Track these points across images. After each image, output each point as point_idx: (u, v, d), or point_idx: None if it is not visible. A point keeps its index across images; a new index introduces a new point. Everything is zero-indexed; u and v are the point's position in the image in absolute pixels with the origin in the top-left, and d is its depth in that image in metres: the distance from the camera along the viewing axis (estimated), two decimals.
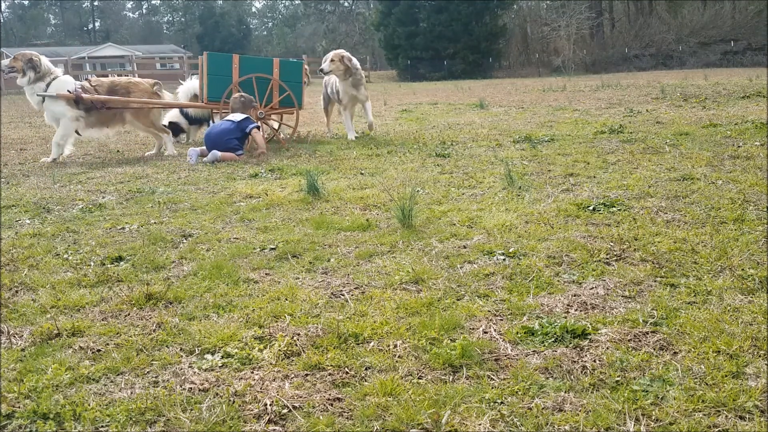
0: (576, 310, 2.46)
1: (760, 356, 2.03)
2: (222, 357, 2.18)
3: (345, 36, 55.46)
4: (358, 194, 4.58)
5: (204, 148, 6.53)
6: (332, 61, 7.73)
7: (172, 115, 8.34)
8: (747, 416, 1.74)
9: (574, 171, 5.05)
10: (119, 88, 6.87)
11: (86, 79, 6.87)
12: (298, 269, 3.05)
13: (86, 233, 3.81)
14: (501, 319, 2.41)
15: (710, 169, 4.82)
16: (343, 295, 2.71)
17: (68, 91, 6.60)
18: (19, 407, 1.90)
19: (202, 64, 7.39)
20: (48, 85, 6.61)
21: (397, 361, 2.11)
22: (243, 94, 7.06)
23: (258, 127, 6.76)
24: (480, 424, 1.75)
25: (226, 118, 6.75)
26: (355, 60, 8.00)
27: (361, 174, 5.40)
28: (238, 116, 6.65)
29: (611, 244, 3.18)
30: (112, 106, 6.82)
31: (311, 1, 61.48)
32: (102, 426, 1.81)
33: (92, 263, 3.23)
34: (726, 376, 1.92)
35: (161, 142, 7.27)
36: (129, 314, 2.58)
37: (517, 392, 1.90)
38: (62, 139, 6.75)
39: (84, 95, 6.61)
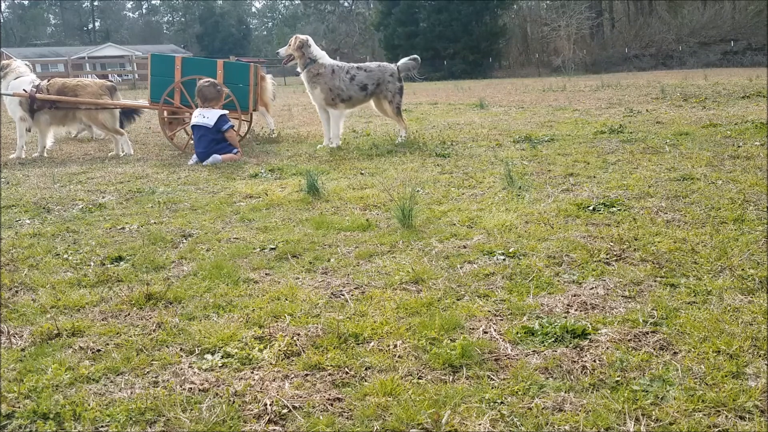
0: (576, 310, 2.46)
1: (760, 356, 2.03)
2: (222, 357, 2.18)
3: (345, 36, 55.46)
4: (358, 194, 4.58)
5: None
6: (289, 45, 7.04)
7: None
8: (747, 416, 1.74)
9: (574, 171, 5.05)
10: (67, 89, 7.12)
11: (47, 80, 7.20)
12: (298, 269, 3.05)
13: (86, 233, 3.81)
14: (501, 319, 2.41)
15: (710, 169, 4.82)
16: (343, 295, 2.71)
17: (23, 90, 6.92)
18: (19, 407, 1.90)
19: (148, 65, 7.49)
20: (9, 84, 7.04)
21: (397, 361, 2.11)
22: (212, 80, 6.79)
23: (232, 127, 6.67)
24: (480, 424, 1.75)
25: (201, 119, 6.43)
26: (316, 50, 7.04)
27: (361, 174, 5.40)
28: (211, 116, 6.40)
29: (611, 244, 3.18)
30: (61, 106, 7.10)
31: (311, 1, 61.47)
32: (102, 426, 1.81)
33: (92, 263, 3.23)
34: (726, 376, 1.92)
35: (117, 144, 7.37)
36: (129, 314, 2.58)
37: (517, 392, 1.90)
38: (20, 137, 7.16)
39: (37, 95, 6.90)
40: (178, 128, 7.50)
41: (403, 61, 7.46)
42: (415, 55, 7.53)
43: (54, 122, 7.19)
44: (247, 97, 7.28)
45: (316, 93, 7.00)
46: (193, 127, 6.52)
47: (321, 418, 1.81)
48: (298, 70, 7.12)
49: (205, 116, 6.43)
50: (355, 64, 7.28)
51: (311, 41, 7.05)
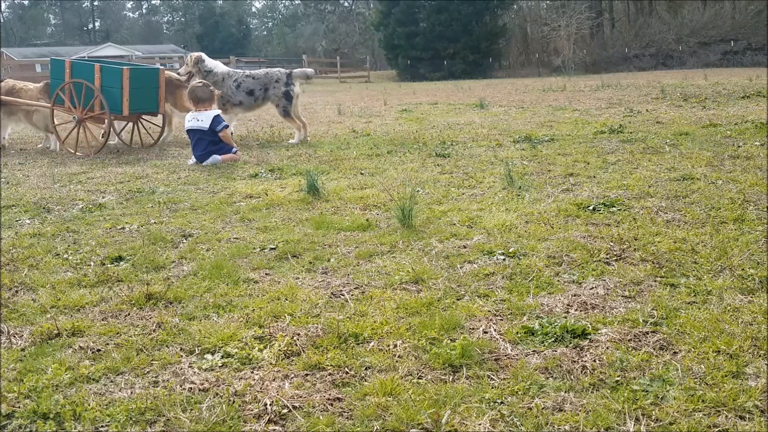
0: (576, 310, 2.47)
1: (760, 356, 2.03)
2: (222, 357, 2.18)
3: (345, 36, 55.48)
4: (358, 194, 4.58)
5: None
6: (186, 64, 7.77)
7: None
8: (747, 416, 1.74)
9: (574, 171, 5.05)
10: (13, 90, 7.85)
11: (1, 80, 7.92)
12: (298, 269, 3.05)
13: (86, 233, 3.81)
14: (501, 319, 2.41)
15: (710, 169, 4.83)
16: (343, 295, 2.71)
17: None
18: (19, 407, 1.90)
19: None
20: None
21: (397, 361, 2.11)
22: (205, 81, 6.89)
23: (227, 127, 6.67)
24: (480, 424, 1.75)
25: (195, 122, 6.42)
26: (210, 62, 7.70)
27: (361, 174, 5.40)
28: (205, 119, 6.39)
29: (611, 244, 3.18)
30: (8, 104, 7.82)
31: (311, 1, 61.46)
32: (102, 426, 1.81)
33: (92, 263, 3.23)
34: (726, 376, 1.92)
35: (48, 139, 8.05)
36: (129, 314, 2.58)
37: (517, 392, 1.90)
38: None
39: None
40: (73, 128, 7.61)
41: (298, 69, 8.09)
42: (312, 69, 8.25)
43: (5, 118, 7.99)
44: (119, 102, 7.27)
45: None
46: (188, 131, 6.51)
47: (321, 418, 1.81)
48: (193, 82, 7.51)
49: (199, 119, 6.42)
50: (247, 72, 7.92)
51: (204, 56, 7.84)
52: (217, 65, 7.78)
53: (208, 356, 2.19)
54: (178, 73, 7.94)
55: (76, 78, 7.31)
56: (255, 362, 2.15)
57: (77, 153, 7.23)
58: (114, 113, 7.27)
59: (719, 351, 2.07)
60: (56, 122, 7.58)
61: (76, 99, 7.23)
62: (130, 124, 8.12)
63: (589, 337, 2.23)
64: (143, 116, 7.89)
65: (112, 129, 7.59)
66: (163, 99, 7.68)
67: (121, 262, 3.24)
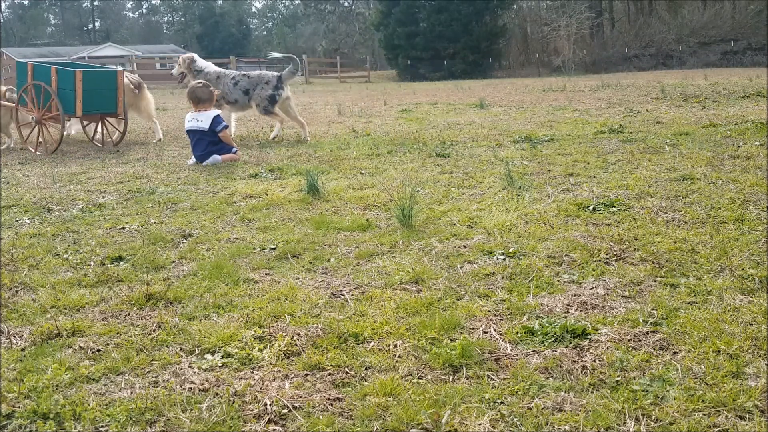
0: (576, 310, 2.47)
1: (760, 356, 2.03)
2: (222, 357, 2.18)
3: (345, 36, 55.50)
4: (358, 194, 4.58)
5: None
6: (178, 65, 7.98)
7: None
8: (747, 416, 1.74)
9: (574, 171, 5.05)
10: None
11: None
12: (298, 269, 3.05)
13: (86, 233, 3.81)
14: (501, 319, 2.41)
15: (710, 169, 4.83)
16: (343, 295, 2.71)
17: None
18: (19, 407, 1.90)
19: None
20: None
21: (397, 361, 2.11)
22: (204, 81, 6.92)
23: (227, 127, 6.67)
24: (480, 424, 1.75)
25: (195, 123, 6.43)
26: (201, 62, 7.87)
27: (361, 174, 5.40)
28: (205, 119, 6.38)
29: (611, 244, 3.18)
30: None
31: (311, 1, 61.48)
32: (102, 426, 1.81)
33: (92, 263, 3.23)
34: (726, 376, 1.92)
35: (6, 140, 8.27)
36: (129, 314, 2.58)
37: (517, 392, 1.90)
38: None
39: None
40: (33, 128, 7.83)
41: (286, 71, 8.02)
42: (292, 69, 8.05)
43: None
44: (72, 103, 7.48)
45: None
46: (188, 131, 6.51)
47: (321, 418, 1.81)
48: (193, 83, 7.75)
49: (198, 120, 6.42)
50: (241, 72, 8.08)
51: (196, 57, 8.02)
52: (208, 65, 7.93)
53: (208, 356, 2.19)
54: (171, 74, 8.20)
55: (36, 80, 7.56)
56: (255, 362, 2.15)
57: (37, 152, 7.45)
58: (68, 114, 7.59)
59: (719, 351, 2.07)
60: (18, 122, 7.87)
61: (35, 100, 7.51)
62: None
63: (589, 337, 2.23)
64: (107, 117, 8.09)
65: (82, 128, 8.07)
66: (122, 100, 7.88)
67: (121, 262, 3.24)
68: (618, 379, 1.94)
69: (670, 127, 7.34)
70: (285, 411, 1.86)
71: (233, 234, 3.68)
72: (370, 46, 52.01)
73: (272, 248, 3.37)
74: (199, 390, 1.98)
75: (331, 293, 2.73)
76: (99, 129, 8.19)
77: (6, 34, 68.46)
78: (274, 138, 7.91)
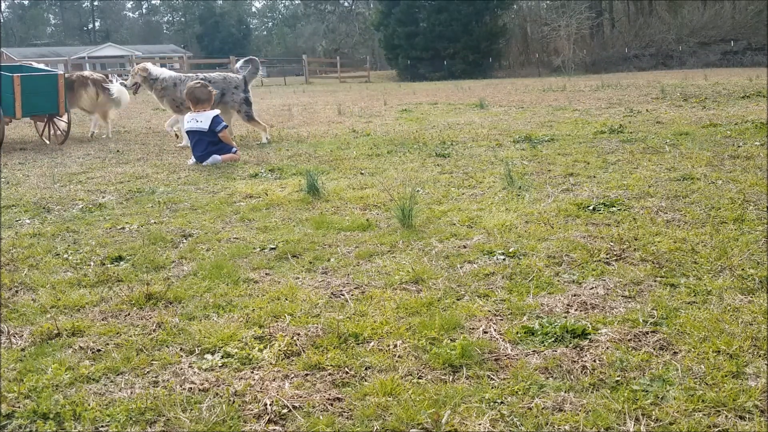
0: (576, 310, 2.47)
1: (760, 356, 2.03)
2: (222, 357, 2.18)
3: (345, 36, 55.50)
4: (358, 194, 4.58)
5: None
6: (132, 75, 8.00)
7: None
8: (747, 416, 1.74)
9: (574, 171, 5.05)
10: None
11: None
12: (298, 269, 3.05)
13: (86, 233, 3.81)
14: (501, 319, 2.41)
15: (710, 169, 4.83)
16: (343, 295, 2.71)
17: None
18: (19, 407, 1.90)
19: None
20: None
21: (397, 361, 2.11)
22: (203, 81, 6.86)
23: (226, 127, 6.66)
24: (480, 424, 1.75)
25: (195, 123, 6.41)
26: (155, 70, 7.86)
27: (361, 174, 5.40)
28: (205, 119, 6.37)
29: (611, 244, 3.18)
30: None
31: (311, 1, 61.48)
32: (102, 426, 1.81)
33: (92, 263, 3.23)
34: (726, 376, 1.92)
35: None
36: (129, 314, 2.58)
37: (517, 392, 1.90)
38: None
39: None
40: None
41: (248, 71, 7.99)
42: (250, 66, 8.01)
43: None
44: (11, 105, 7.79)
45: (165, 104, 7.85)
46: (188, 132, 6.50)
47: (321, 418, 1.81)
48: (149, 92, 7.92)
49: (198, 120, 6.40)
50: (203, 76, 7.93)
51: (149, 65, 7.99)
52: (162, 72, 7.91)
53: (208, 356, 2.19)
54: (124, 85, 8.50)
55: None
56: (255, 362, 2.15)
57: None
58: (8, 116, 7.93)
59: (719, 351, 2.07)
60: None
61: None
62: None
63: (589, 337, 2.23)
64: (54, 117, 8.45)
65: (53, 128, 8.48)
66: (63, 101, 8.20)
67: (121, 262, 3.24)
68: (618, 379, 1.94)
69: (670, 127, 7.34)
70: (285, 411, 1.86)
71: (233, 234, 3.68)
72: (370, 46, 52.00)
73: (272, 248, 3.37)
74: (199, 390, 1.98)
75: (331, 293, 2.73)
76: (48, 127, 8.64)
77: (6, 34, 68.47)
78: (267, 141, 7.87)
